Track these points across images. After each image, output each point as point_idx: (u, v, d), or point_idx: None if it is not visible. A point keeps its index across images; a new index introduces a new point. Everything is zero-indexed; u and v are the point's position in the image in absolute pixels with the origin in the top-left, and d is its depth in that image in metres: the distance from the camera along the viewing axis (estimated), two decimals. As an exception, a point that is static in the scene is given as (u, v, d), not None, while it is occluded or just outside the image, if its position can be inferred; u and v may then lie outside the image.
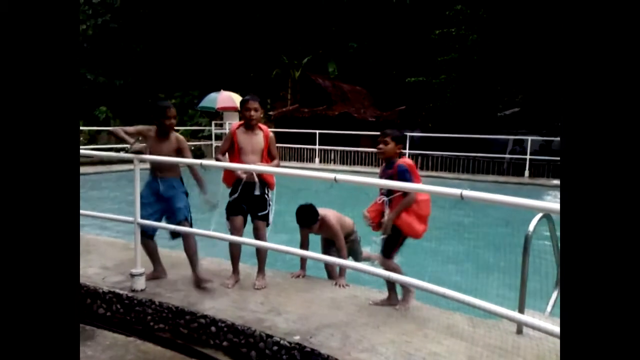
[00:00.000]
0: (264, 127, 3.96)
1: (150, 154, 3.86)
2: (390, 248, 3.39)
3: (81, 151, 3.93)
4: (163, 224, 3.92)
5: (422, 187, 2.76)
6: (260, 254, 3.92)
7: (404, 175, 3.26)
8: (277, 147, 4.01)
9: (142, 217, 3.79)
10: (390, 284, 3.48)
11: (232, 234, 3.87)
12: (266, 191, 3.93)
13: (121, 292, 3.69)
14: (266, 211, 3.91)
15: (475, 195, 2.37)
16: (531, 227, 2.94)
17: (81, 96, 21.72)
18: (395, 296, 3.52)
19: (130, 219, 3.77)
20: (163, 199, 3.90)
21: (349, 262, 3.70)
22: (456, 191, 2.40)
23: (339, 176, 2.93)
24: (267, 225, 3.98)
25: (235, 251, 3.94)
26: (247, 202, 3.90)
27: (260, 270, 3.93)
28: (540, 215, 2.99)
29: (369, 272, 3.20)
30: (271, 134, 3.96)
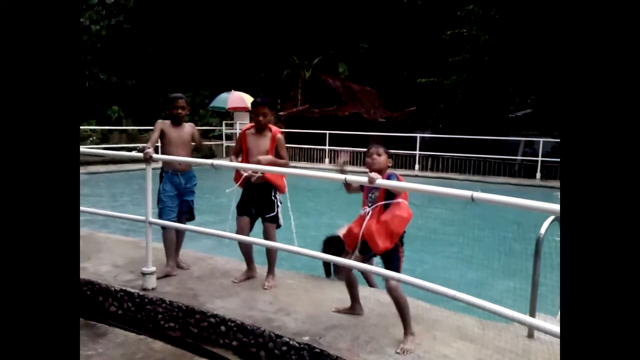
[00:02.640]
0: (274, 128, 3.98)
1: (169, 144, 4.09)
2: (396, 264, 3.04)
3: (93, 150, 4.00)
4: (175, 223, 4.04)
5: (433, 188, 2.74)
6: (270, 254, 3.94)
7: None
8: (287, 147, 4.01)
9: (167, 208, 4.02)
10: (355, 295, 3.35)
11: (237, 233, 3.91)
12: (273, 193, 3.94)
13: (132, 290, 3.72)
14: (274, 213, 3.93)
15: (486, 197, 2.35)
16: (542, 230, 2.92)
17: (93, 95, 21.99)
18: (360, 307, 3.38)
19: (142, 217, 3.81)
20: (181, 193, 4.14)
21: (358, 264, 3.69)
22: (467, 193, 2.39)
23: (349, 177, 2.94)
24: (279, 226, 4.00)
25: (244, 249, 3.99)
26: (254, 203, 3.93)
27: (270, 270, 3.95)
28: (552, 218, 2.97)
29: (379, 273, 3.19)
30: (279, 135, 3.95)
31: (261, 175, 3.80)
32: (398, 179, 2.98)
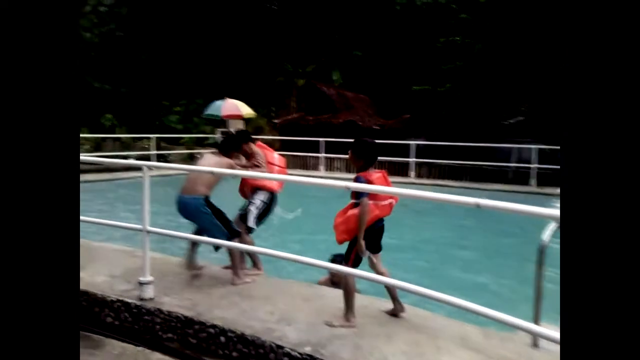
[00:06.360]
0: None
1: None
2: (348, 253, 3.31)
3: (87, 158, 3.94)
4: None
5: (439, 196, 2.72)
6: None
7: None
8: (284, 155, 4.51)
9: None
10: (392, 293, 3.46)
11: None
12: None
13: (129, 300, 3.66)
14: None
15: (492, 204, 2.34)
16: (546, 237, 2.90)
17: (86, 103, 21.88)
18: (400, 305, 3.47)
19: (139, 226, 3.75)
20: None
21: (358, 272, 3.65)
22: (472, 200, 2.37)
23: (350, 184, 2.91)
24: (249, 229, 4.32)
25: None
26: None
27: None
28: (554, 224, 2.95)
29: (375, 280, 3.16)
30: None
31: None
32: (368, 181, 3.19)
